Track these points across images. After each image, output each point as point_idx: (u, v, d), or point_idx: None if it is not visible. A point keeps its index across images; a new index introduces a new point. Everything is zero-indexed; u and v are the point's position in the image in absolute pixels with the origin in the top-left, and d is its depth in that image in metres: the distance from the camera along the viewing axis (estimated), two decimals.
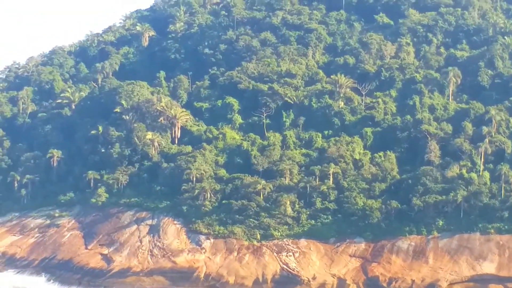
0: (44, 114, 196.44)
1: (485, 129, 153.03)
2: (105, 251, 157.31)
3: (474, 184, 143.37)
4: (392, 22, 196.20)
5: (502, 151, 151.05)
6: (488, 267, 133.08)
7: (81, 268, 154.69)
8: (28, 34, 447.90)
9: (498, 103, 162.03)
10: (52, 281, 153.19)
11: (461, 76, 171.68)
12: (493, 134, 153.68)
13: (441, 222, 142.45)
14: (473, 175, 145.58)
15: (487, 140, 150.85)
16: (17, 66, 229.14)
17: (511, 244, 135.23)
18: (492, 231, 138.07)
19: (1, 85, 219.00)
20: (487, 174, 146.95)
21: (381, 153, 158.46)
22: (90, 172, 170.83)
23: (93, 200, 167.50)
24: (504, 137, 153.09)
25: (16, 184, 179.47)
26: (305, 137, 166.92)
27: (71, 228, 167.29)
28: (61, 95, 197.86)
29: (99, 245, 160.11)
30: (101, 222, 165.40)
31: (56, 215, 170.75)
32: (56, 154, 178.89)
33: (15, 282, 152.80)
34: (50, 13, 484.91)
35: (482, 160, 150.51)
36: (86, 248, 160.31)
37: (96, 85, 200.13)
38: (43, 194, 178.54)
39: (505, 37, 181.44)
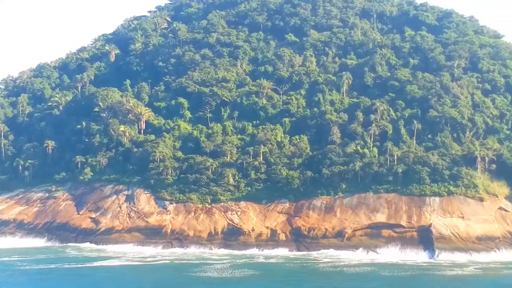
0: (39, 114, 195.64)
1: (372, 116, 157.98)
2: (93, 215, 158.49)
3: (366, 157, 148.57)
4: (298, 40, 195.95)
5: (385, 132, 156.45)
6: (380, 217, 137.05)
7: (76, 228, 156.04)
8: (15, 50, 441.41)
9: (380, 97, 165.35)
10: (53, 240, 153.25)
11: (351, 78, 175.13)
12: (378, 120, 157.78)
13: (344, 186, 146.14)
14: (366, 150, 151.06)
15: (374, 124, 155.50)
16: (11, 78, 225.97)
17: (396, 200, 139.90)
18: (382, 191, 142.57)
19: (2, 92, 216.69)
20: (375, 150, 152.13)
21: (297, 137, 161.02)
22: (77, 156, 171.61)
23: (81, 178, 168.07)
24: (386, 122, 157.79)
25: (20, 168, 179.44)
26: (239, 126, 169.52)
27: (65, 199, 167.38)
28: (51, 99, 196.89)
29: (88, 211, 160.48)
30: (88, 193, 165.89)
31: (53, 189, 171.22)
32: (50, 144, 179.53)
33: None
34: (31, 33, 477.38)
35: (372, 139, 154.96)
36: (78, 214, 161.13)
37: (77, 91, 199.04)
38: (42, 174, 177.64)
39: (382, 49, 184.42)
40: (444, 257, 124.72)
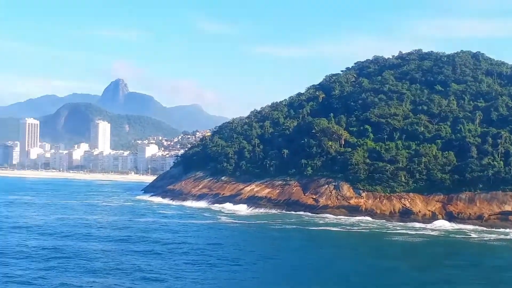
0: (277, 133, 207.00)
1: (499, 141, 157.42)
2: (314, 196, 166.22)
3: (496, 167, 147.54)
4: (443, 89, 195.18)
5: (508, 151, 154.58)
6: (507, 207, 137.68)
7: (303, 204, 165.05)
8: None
9: (503, 128, 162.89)
10: (290, 210, 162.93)
11: (482, 115, 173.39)
12: (502, 143, 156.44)
13: (481, 185, 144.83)
14: (495, 163, 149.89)
15: (500, 146, 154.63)
16: (257, 111, 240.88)
17: None
18: (507, 190, 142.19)
19: (254, 119, 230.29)
20: (502, 162, 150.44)
21: (446, 152, 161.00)
22: (302, 159, 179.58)
23: (305, 173, 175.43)
24: (508, 144, 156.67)
25: (267, 165, 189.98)
26: (406, 144, 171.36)
27: (295, 186, 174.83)
28: (284, 124, 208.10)
29: (310, 193, 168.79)
30: (310, 183, 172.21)
31: (288, 179, 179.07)
32: (285, 151, 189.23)
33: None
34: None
35: (499, 156, 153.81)
36: (304, 195, 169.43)
37: (300, 120, 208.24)
38: (280, 170, 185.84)
39: (502, 96, 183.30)
40: None
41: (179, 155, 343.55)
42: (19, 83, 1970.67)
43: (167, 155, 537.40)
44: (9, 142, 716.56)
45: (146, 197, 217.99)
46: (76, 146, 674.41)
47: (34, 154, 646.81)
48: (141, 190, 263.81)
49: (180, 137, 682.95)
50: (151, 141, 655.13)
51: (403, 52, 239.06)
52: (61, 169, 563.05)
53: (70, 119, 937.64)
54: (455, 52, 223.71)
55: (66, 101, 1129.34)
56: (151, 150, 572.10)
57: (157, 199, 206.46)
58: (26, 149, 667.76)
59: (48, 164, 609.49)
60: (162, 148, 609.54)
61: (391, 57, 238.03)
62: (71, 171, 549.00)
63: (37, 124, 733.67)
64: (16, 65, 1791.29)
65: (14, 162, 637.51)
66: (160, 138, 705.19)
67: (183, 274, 71.60)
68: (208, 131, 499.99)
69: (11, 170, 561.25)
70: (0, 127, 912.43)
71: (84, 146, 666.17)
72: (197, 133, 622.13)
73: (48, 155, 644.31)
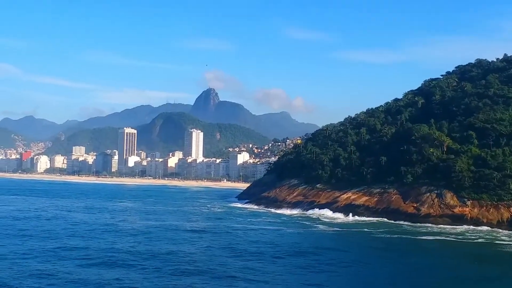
0: (374, 140, 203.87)
1: None
2: (415, 205, 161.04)
3: None
4: None
5: None
6: None
7: (404, 212, 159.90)
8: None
9: None
10: (388, 218, 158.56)
11: None
12: None
13: None
14: None
15: None
16: (352, 117, 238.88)
17: None
18: None
19: (352, 127, 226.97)
20: None
21: None
22: (402, 167, 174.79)
23: (405, 180, 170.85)
24: None
25: (364, 172, 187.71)
26: None
27: (395, 194, 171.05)
28: (382, 131, 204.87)
29: (411, 202, 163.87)
30: (410, 191, 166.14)
31: (386, 187, 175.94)
32: (383, 158, 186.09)
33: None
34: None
35: None
36: (404, 203, 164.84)
37: (398, 126, 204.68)
38: (378, 177, 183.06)
39: None
40: None
41: (272, 162, 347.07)
42: (115, 95, 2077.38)
43: (258, 163, 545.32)
44: (108, 150, 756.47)
45: (240, 205, 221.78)
46: (170, 154, 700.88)
47: (132, 162, 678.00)
48: (235, 197, 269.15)
49: (270, 144, 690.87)
50: (242, 149, 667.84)
51: (509, 55, 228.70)
52: (157, 177, 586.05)
53: (164, 128, 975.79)
54: None
55: (160, 111, 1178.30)
56: (243, 157, 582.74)
57: (253, 206, 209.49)
58: (124, 157, 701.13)
59: (144, 171, 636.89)
60: (253, 156, 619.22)
61: (495, 60, 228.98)
62: (166, 178, 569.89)
63: (134, 133, 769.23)
64: (112, 77, 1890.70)
65: (113, 170, 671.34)
66: (251, 145, 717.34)
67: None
68: (298, 138, 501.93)
69: (110, 177, 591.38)
70: (99, 136, 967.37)
71: (178, 154, 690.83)
72: (288, 140, 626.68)
73: (144, 163, 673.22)
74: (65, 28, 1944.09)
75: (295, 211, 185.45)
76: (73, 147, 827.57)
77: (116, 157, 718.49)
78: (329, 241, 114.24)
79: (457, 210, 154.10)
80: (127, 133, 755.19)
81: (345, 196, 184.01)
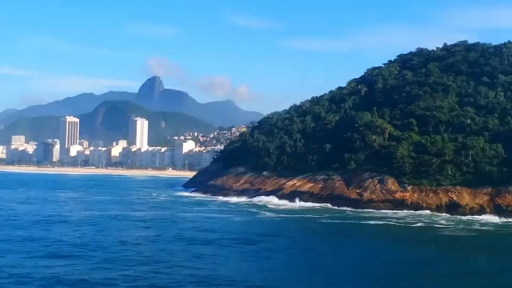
0: (319, 128, 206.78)
1: None
2: (358, 191, 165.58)
3: None
4: (490, 81, 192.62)
5: None
6: None
7: (347, 198, 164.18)
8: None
9: None
10: (331, 204, 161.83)
11: None
12: None
13: None
14: None
15: None
16: (297, 105, 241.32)
17: None
18: None
19: (295, 114, 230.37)
20: None
21: (494, 144, 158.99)
22: (345, 154, 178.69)
23: (348, 167, 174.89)
24: None
25: (309, 160, 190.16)
26: (452, 137, 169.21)
27: (339, 180, 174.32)
28: (326, 119, 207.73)
29: (354, 188, 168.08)
30: (353, 177, 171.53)
31: (330, 174, 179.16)
32: (327, 146, 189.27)
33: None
34: None
35: None
36: (348, 189, 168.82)
37: (342, 114, 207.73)
38: (322, 164, 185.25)
39: None
40: None
41: (218, 150, 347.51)
42: (56, 82, 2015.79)
43: (204, 151, 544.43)
44: (49, 140, 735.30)
45: (187, 193, 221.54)
46: (114, 143, 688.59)
47: (74, 151, 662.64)
48: (182, 186, 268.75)
49: (216, 133, 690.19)
50: (188, 137, 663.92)
51: (448, 44, 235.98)
52: (100, 166, 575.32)
53: (108, 116, 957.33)
54: (502, 43, 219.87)
55: (103, 99, 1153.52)
56: (188, 146, 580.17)
57: (199, 195, 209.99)
58: (66, 147, 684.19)
59: (87, 161, 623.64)
60: (199, 144, 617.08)
61: (435, 49, 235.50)
62: (109, 168, 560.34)
63: (77, 122, 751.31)
64: (52, 64, 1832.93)
65: (55, 159, 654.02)
66: (196, 134, 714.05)
67: None
68: (244, 126, 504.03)
69: (51, 167, 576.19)
70: (39, 125, 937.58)
71: (122, 143, 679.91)
72: (233, 128, 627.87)
73: (87, 152, 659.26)
74: (0, 13, 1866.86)
75: (242, 199, 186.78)
76: (13, 137, 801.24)
77: (57, 146, 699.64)
78: (276, 228, 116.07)
79: (398, 195, 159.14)
80: (69, 121, 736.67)
81: (290, 183, 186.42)
